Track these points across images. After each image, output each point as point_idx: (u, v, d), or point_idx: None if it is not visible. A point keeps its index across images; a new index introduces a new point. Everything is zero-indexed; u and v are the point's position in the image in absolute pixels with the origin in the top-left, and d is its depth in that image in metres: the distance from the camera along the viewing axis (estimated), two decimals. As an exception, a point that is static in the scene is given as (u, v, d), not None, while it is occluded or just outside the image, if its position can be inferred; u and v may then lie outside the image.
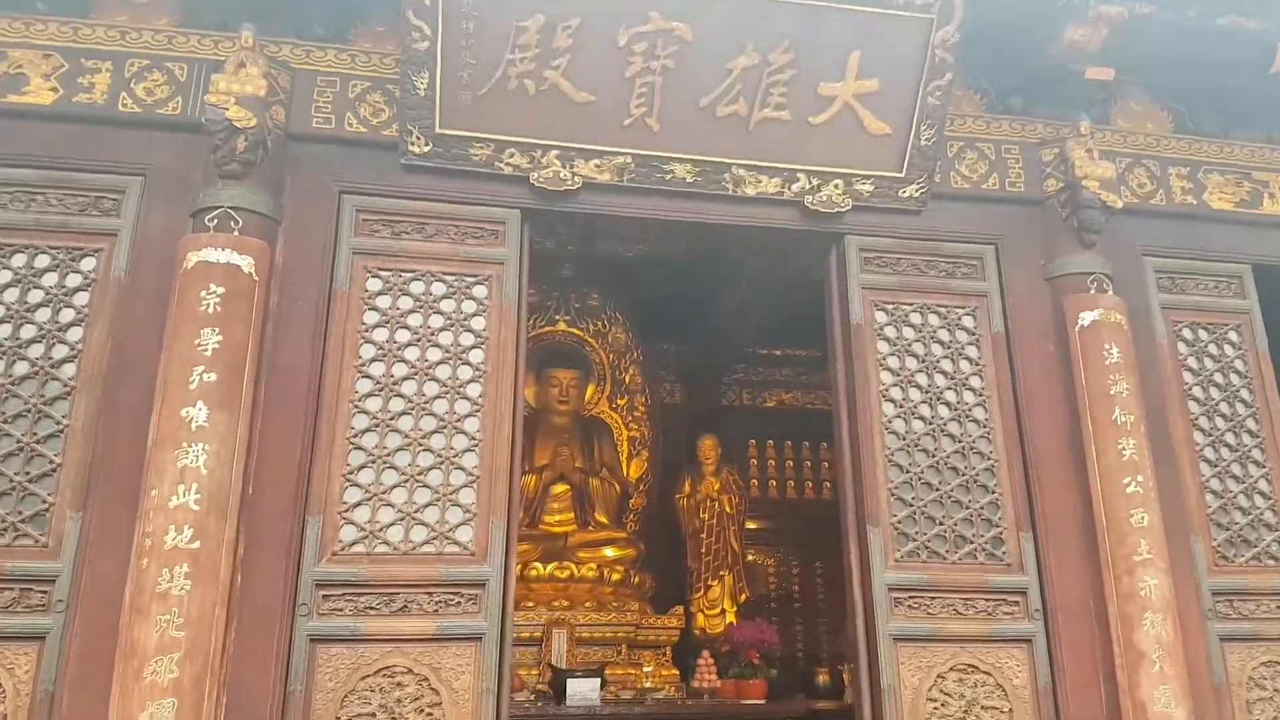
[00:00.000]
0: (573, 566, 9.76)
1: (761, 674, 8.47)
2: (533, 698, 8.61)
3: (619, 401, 11.07)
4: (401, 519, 4.96)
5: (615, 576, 9.86)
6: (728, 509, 10.52)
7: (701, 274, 10.49)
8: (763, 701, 8.35)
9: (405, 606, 4.85)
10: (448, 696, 4.76)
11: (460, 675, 4.80)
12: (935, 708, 5.13)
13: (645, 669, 8.62)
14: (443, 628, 4.83)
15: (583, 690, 8.17)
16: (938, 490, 5.51)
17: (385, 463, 5.02)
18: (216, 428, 4.68)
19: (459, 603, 4.88)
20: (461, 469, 5.07)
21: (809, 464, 11.80)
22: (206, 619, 4.49)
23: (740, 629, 8.69)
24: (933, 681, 5.15)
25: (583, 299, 10.97)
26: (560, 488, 10.42)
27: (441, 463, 5.07)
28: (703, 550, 10.51)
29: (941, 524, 5.45)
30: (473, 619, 4.87)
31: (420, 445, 5.08)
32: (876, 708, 5.10)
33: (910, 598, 5.26)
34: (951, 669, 5.22)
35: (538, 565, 9.71)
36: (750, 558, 11.24)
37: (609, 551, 10.08)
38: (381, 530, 4.93)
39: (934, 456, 5.60)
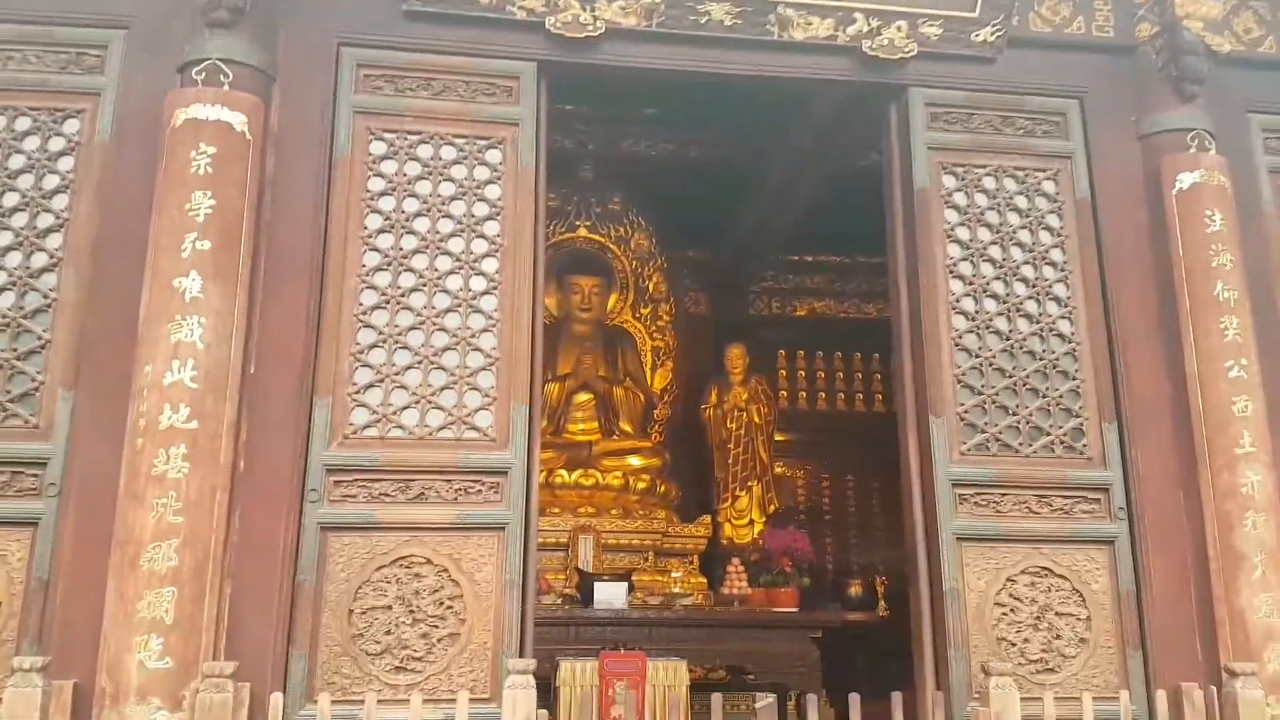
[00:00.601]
0: (598, 474, 9.33)
1: (794, 582, 8.04)
2: (559, 601, 8.24)
3: (642, 311, 10.55)
4: (416, 402, 4.48)
5: (641, 485, 9.43)
6: (756, 419, 10.04)
7: (728, 174, 9.92)
8: (795, 610, 7.93)
9: (422, 494, 4.39)
10: (469, 589, 4.32)
11: (482, 567, 4.35)
12: (1003, 613, 4.64)
13: (674, 574, 8.21)
14: (463, 516, 4.37)
15: (610, 594, 7.77)
16: (1011, 377, 4.94)
17: (397, 342, 4.52)
18: (212, 300, 4.18)
19: (480, 491, 4.42)
20: (479, 350, 4.57)
21: (840, 375, 11.28)
22: (206, 504, 4.05)
23: (772, 536, 8.25)
24: (1001, 585, 4.66)
25: (604, 203, 10.38)
26: (584, 396, 9.97)
27: (457, 343, 4.56)
28: (730, 460, 10.06)
29: (1014, 414, 4.89)
30: (495, 508, 4.41)
31: (434, 324, 4.57)
32: (937, 612, 4.62)
33: (977, 494, 4.74)
34: (1023, 571, 4.71)
35: (562, 472, 9.29)
36: (778, 470, 10.81)
37: (634, 460, 9.64)
38: (395, 413, 4.45)
39: (1007, 339, 5.00)
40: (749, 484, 10.01)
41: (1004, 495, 4.79)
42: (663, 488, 9.59)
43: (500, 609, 4.32)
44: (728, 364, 10.17)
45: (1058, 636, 4.70)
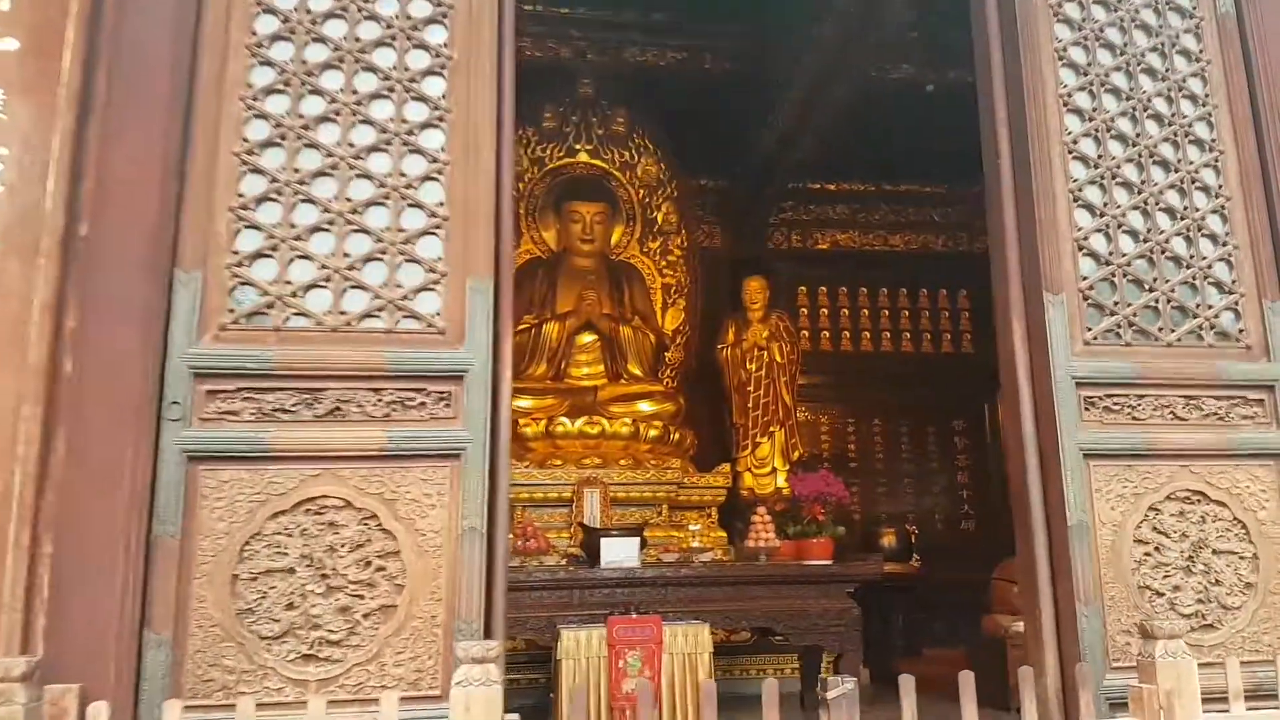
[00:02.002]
0: (604, 422, 7.83)
1: (828, 532, 6.53)
2: (563, 561, 6.79)
3: (651, 245, 9.00)
4: (328, 279, 2.95)
5: (652, 432, 7.94)
6: (778, 358, 8.50)
7: (744, 89, 8.35)
8: (829, 562, 6.42)
9: (339, 410, 2.88)
10: (409, 543, 2.81)
11: (427, 511, 2.84)
12: (1146, 553, 3.12)
13: (691, 528, 6.72)
14: (399, 440, 2.86)
15: (620, 551, 6.28)
16: (1145, 242, 3.41)
17: (298, 193, 2.98)
18: (17, 123, 2.66)
19: (423, 404, 2.91)
20: (420, 207, 3.04)
21: (865, 312, 9.72)
22: (7, 424, 2.56)
23: (802, 481, 6.75)
24: (1142, 516, 3.14)
25: (606, 123, 8.82)
26: (587, 337, 8.45)
27: (387, 195, 3.02)
28: (750, 405, 8.53)
29: (1151, 289, 3.37)
30: (445, 427, 2.89)
31: (353, 168, 3.04)
32: (1058, 553, 3.10)
33: (1108, 396, 3.21)
34: (1169, 498, 3.19)
35: (564, 421, 7.81)
36: (801, 415, 9.29)
37: (644, 406, 8.14)
38: (297, 295, 2.93)
39: (1139, 192, 3.46)
40: (771, 429, 8.50)
41: (1141, 397, 3.25)
42: (677, 435, 8.10)
43: (455, 569, 2.81)
44: (746, 298, 8.63)
45: (1216, 582, 3.19)
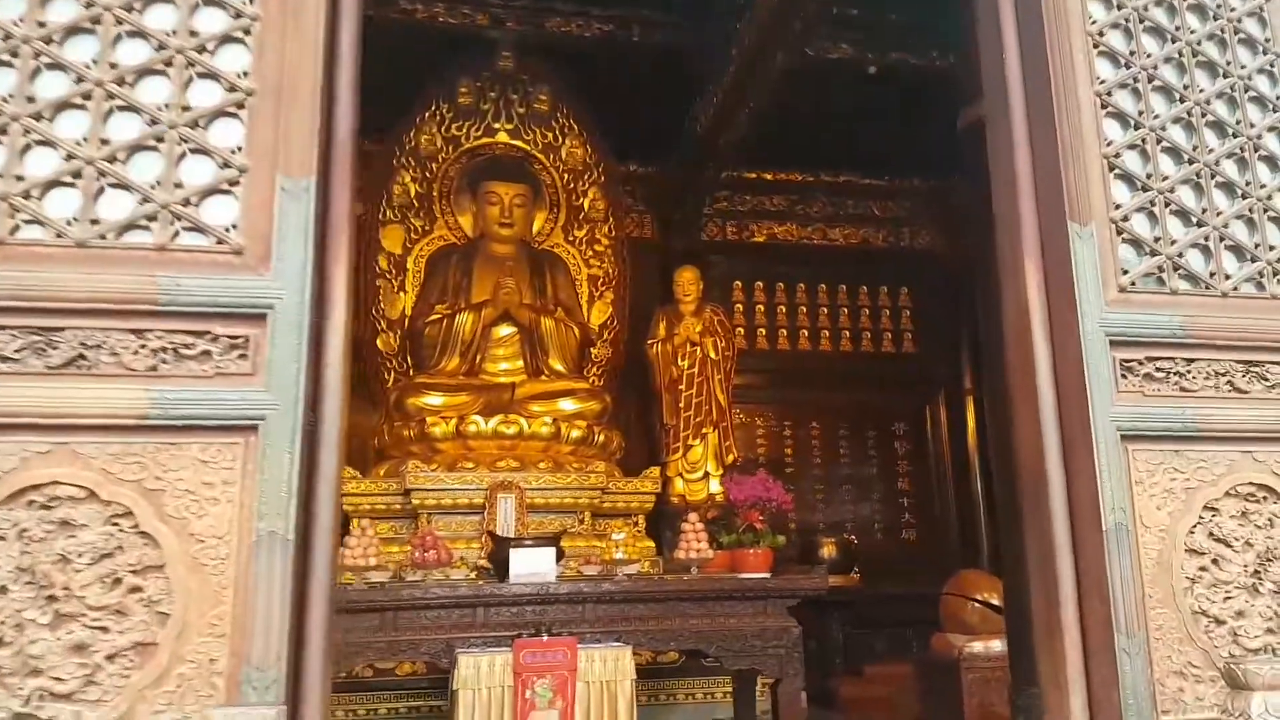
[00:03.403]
0: (521, 421, 6.87)
1: (766, 541, 5.61)
2: (472, 575, 5.80)
3: (576, 233, 8.07)
4: (76, 172, 1.98)
5: (575, 433, 6.99)
6: (712, 354, 7.61)
7: (675, 64, 7.51)
8: (767, 575, 5.52)
9: (82, 358, 1.91)
10: (179, 551, 1.85)
11: (208, 507, 1.89)
12: (1201, 567, 2.30)
13: (614, 537, 5.78)
14: (166, 404, 1.89)
15: (531, 563, 5.31)
16: (1191, 162, 2.59)
17: (40, 54, 2.01)
18: None
19: (207, 353, 1.95)
20: (214, 76, 2.08)
21: (803, 310, 8.90)
22: None
23: (738, 485, 5.83)
24: (1196, 518, 2.31)
25: (528, 101, 7.88)
26: (505, 330, 7.47)
27: (169, 61, 2.06)
28: (681, 404, 7.63)
29: (1200, 223, 2.55)
30: (238, 387, 1.94)
31: (121, 22, 2.07)
32: (1088, 567, 2.25)
33: (1150, 359, 2.39)
34: (1228, 493, 2.38)
35: (477, 420, 6.83)
36: (736, 417, 8.43)
37: (566, 404, 7.19)
38: (31, 195, 1.96)
39: (1180, 100, 2.65)
40: (704, 431, 7.61)
41: (1191, 362, 2.43)
42: (602, 436, 7.17)
43: (247, 593, 1.85)
44: (678, 290, 7.74)
45: (1289, 606, 2.38)
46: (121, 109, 1.99)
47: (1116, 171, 2.46)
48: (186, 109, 2.02)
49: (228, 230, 1.97)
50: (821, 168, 8.82)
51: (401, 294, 7.77)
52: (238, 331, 1.94)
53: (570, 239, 8.07)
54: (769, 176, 8.81)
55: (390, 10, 7.39)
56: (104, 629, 1.80)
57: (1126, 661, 2.16)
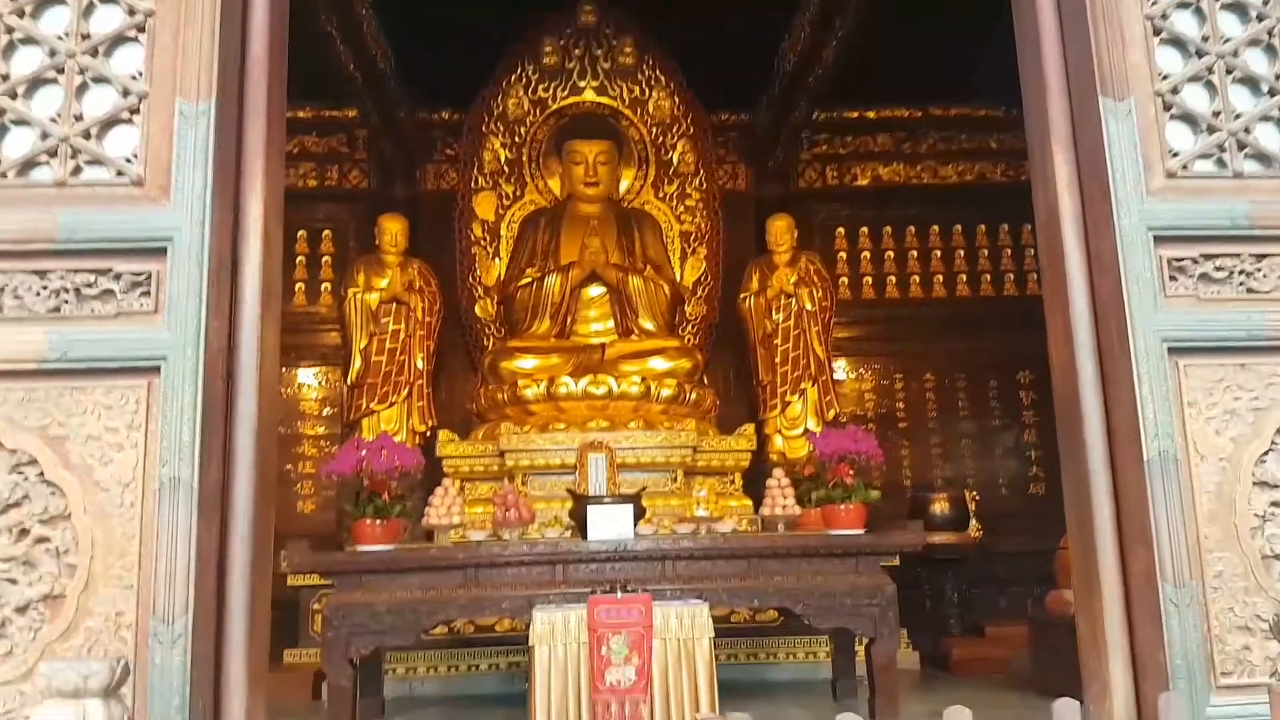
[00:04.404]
0: (610, 381, 6.71)
1: (858, 496, 5.22)
2: (566, 534, 5.66)
3: (666, 189, 7.80)
4: (-28, 108, 1.89)
5: (665, 391, 6.77)
6: (808, 305, 7.21)
7: (764, 3, 7.08)
8: (860, 531, 5.14)
9: (-14, 303, 1.82)
10: (85, 500, 1.75)
11: (112, 454, 1.77)
12: (1274, 502, 1.86)
13: (697, 494, 5.53)
14: (66, 346, 1.78)
15: (610, 520, 5.15)
16: (1261, 19, 2.11)
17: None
18: None
19: (109, 292, 1.84)
20: (113, 1, 1.94)
21: (914, 254, 8.32)
22: None
23: (826, 438, 5.44)
24: (1267, 444, 1.87)
25: (612, 55, 7.63)
26: (595, 290, 7.31)
27: (68, -15, 1.94)
28: (777, 359, 7.27)
29: (1273, 92, 2.08)
30: (139, 327, 1.81)
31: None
32: (1129, 504, 1.85)
33: (1206, 257, 1.97)
34: (1301, 422, 1.92)
35: (567, 381, 6.72)
36: (842, 369, 8.00)
37: (657, 363, 6.97)
38: (-75, 133, 1.88)
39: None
40: (802, 386, 7.23)
41: (1262, 259, 1.98)
42: (695, 394, 6.92)
43: (153, 535, 1.72)
44: (770, 240, 7.36)
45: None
46: (21, 41, 1.89)
47: (1163, 35, 2.01)
48: (86, 37, 1.89)
49: (128, 161, 1.84)
50: (931, 102, 8.19)
51: (496, 260, 7.72)
52: (140, 268, 1.81)
53: (660, 195, 7.82)
54: (871, 115, 8.26)
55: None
56: (12, 581, 1.72)
57: (1175, 616, 1.76)
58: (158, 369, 1.77)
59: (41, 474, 1.76)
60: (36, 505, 1.75)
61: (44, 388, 1.78)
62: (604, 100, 7.70)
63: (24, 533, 1.75)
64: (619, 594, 4.65)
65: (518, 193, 7.78)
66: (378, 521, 4.51)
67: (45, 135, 1.86)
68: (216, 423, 1.77)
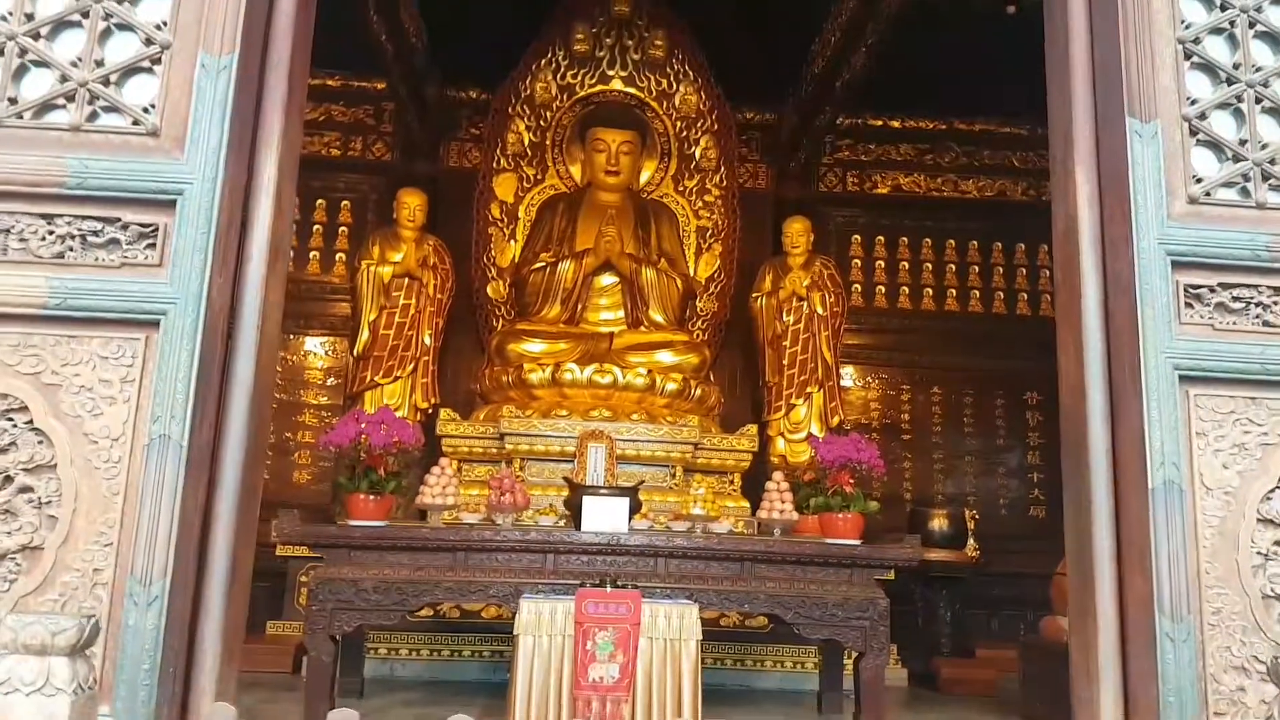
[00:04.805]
0: (615, 371, 6.68)
1: (856, 506, 5.20)
2: (561, 522, 5.64)
3: (687, 183, 7.77)
4: (-9, 48, 1.87)
5: (670, 385, 6.75)
6: (819, 309, 7.17)
7: (797, 5, 7.04)
8: (856, 542, 5.12)
9: (-12, 244, 1.81)
10: (73, 452, 1.73)
11: (104, 406, 1.76)
12: (1265, 556, 1.82)
13: (694, 491, 5.51)
14: (66, 294, 1.76)
15: (605, 512, 5.13)
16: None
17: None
18: None
19: (115, 241, 1.82)
20: (144, -53, 1.93)
21: (928, 266, 8.28)
22: None
23: (827, 445, 5.41)
24: (1275, 482, 1.84)
25: (643, 46, 7.60)
26: (607, 279, 7.28)
27: (94, -72, 1.92)
28: (785, 361, 7.24)
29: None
30: (142, 278, 1.79)
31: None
32: (1130, 532, 1.82)
33: (1224, 286, 1.94)
34: (1316, 452, 1.89)
35: (573, 368, 6.69)
36: (848, 378, 7.97)
37: (664, 356, 6.95)
38: (-63, 68, 1.86)
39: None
40: (808, 390, 7.20)
41: (1279, 294, 1.94)
42: (700, 390, 6.89)
43: (137, 488, 1.71)
44: (786, 240, 7.32)
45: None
46: (28, -18, 1.87)
47: (1194, 60, 1.97)
48: (108, -16, 1.88)
49: (145, 110, 1.82)
50: (955, 115, 8.14)
51: (512, 242, 7.70)
52: (148, 219, 1.79)
53: (680, 189, 7.79)
54: (896, 124, 8.20)
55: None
56: (-8, 528, 1.70)
57: (1170, 650, 1.73)
58: (157, 323, 1.75)
59: (30, 422, 1.74)
60: (23, 453, 1.73)
61: (41, 334, 1.76)
62: (631, 90, 7.67)
63: (8, 480, 1.73)
64: (608, 588, 4.63)
65: (538, 176, 7.76)
66: (371, 496, 4.48)
67: (64, 79, 1.84)
68: (212, 381, 1.76)
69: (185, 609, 1.67)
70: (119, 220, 1.79)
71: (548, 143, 7.74)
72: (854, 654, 5.09)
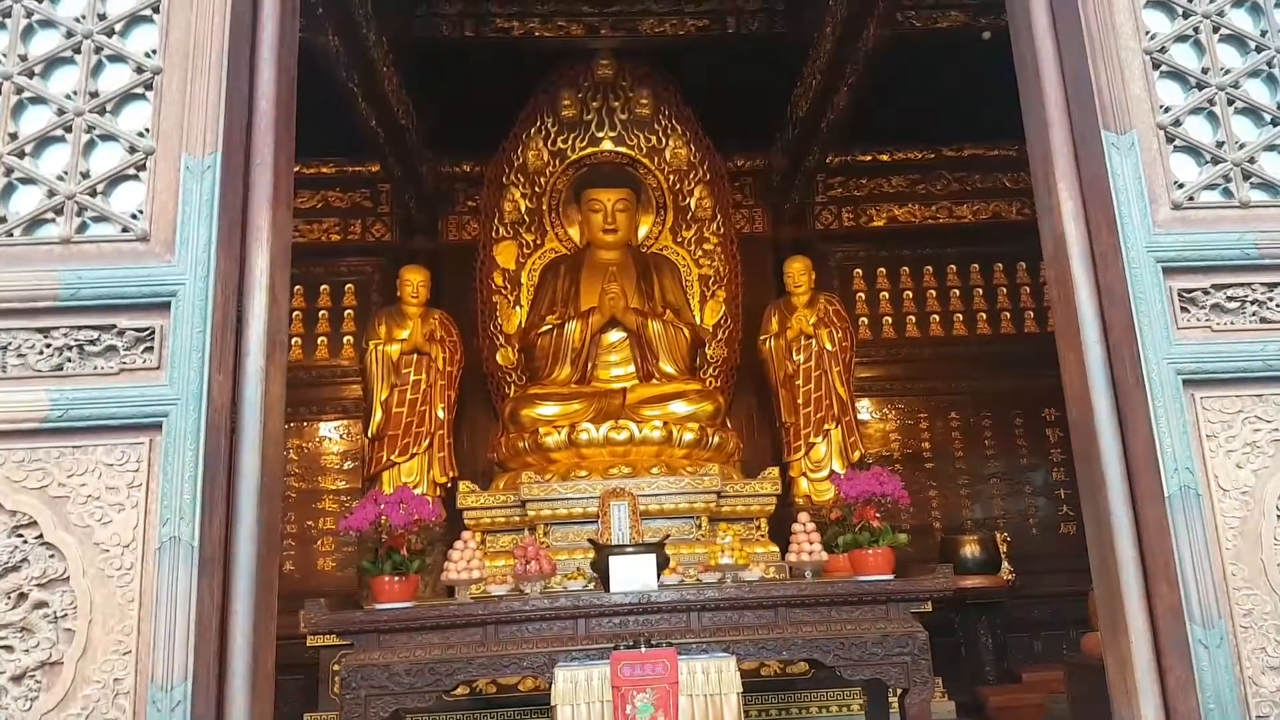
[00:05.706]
0: (631, 426, 6.66)
1: (885, 540, 5.12)
2: (590, 586, 5.58)
3: (684, 234, 7.83)
4: (-21, 168, 1.91)
5: (687, 435, 6.72)
6: (829, 345, 7.15)
7: (773, 50, 7.17)
8: (889, 576, 5.04)
9: (-11, 363, 1.83)
10: (85, 562, 1.72)
11: (113, 513, 1.75)
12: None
13: (720, 540, 5.44)
14: (67, 405, 1.78)
15: (633, 571, 5.07)
16: (1260, 50, 2.08)
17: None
18: None
19: (112, 348, 1.82)
20: (122, 57, 1.97)
21: (932, 293, 8.28)
22: None
23: (850, 481, 5.37)
24: (1291, 482, 1.81)
25: (629, 106, 7.72)
26: (615, 335, 7.31)
27: (78, 46, 1.97)
28: (800, 400, 7.20)
29: (1276, 120, 2.05)
30: (142, 383, 1.80)
31: (25, 9, 1.99)
32: (1153, 537, 1.79)
33: (1218, 287, 1.91)
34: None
35: (588, 428, 6.67)
36: (865, 412, 7.93)
37: (678, 406, 6.92)
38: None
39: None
40: (826, 428, 7.14)
41: (1274, 288, 1.92)
42: (717, 438, 6.85)
43: (153, 597, 1.70)
44: (788, 281, 7.34)
45: None
46: (29, 100, 1.92)
47: (1163, 69, 1.99)
48: (94, 95, 1.92)
49: (134, 216, 1.85)
50: (943, 143, 8.20)
51: (517, 308, 7.75)
52: (144, 323, 1.81)
53: (679, 240, 7.85)
54: (885, 157, 8.26)
55: (488, 30, 7.43)
56: (9, 648, 1.69)
57: (1205, 657, 1.68)
58: (160, 425, 1.76)
59: (40, 536, 1.74)
60: (35, 568, 1.73)
61: (45, 447, 1.77)
62: (622, 150, 7.77)
63: (22, 597, 1.73)
64: (643, 648, 4.56)
65: (538, 241, 7.84)
66: (396, 578, 4.45)
67: (52, 193, 1.88)
68: (219, 479, 1.76)
69: (209, 710, 1.66)
70: (114, 327, 1.81)
71: (544, 208, 7.84)
72: (899, 691, 4.98)
